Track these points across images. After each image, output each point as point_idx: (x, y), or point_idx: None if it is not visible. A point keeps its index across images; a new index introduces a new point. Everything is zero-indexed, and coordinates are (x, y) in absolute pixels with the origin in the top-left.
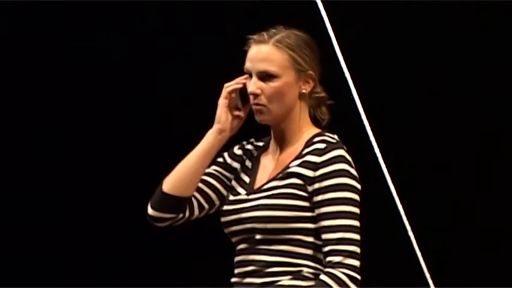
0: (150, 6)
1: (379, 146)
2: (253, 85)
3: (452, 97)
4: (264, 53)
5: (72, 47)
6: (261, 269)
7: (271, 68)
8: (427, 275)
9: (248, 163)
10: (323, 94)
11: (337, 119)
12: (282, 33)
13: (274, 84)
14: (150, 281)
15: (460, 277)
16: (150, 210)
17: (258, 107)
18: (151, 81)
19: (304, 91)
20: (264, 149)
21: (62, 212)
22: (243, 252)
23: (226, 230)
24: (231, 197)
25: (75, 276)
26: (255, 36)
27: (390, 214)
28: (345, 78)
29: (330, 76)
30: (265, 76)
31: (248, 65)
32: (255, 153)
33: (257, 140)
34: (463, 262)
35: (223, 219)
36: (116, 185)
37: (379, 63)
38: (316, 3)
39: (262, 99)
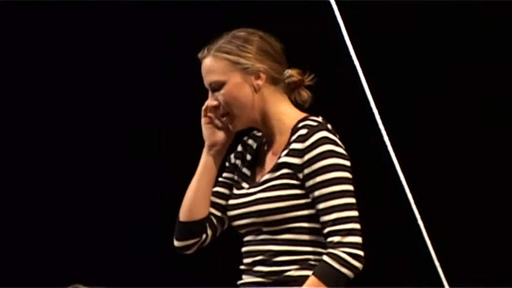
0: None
1: (392, 145)
2: (209, 99)
3: (465, 94)
4: (206, 66)
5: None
6: (269, 259)
7: (215, 78)
8: (439, 268)
9: (248, 157)
10: (296, 76)
11: (350, 118)
12: (220, 41)
13: (224, 90)
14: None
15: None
16: (175, 243)
17: (223, 118)
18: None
19: (258, 85)
20: (262, 140)
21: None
22: (249, 243)
23: (232, 224)
24: (235, 191)
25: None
26: (199, 54)
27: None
28: (358, 77)
29: (343, 75)
30: (216, 86)
31: (204, 82)
32: (255, 146)
33: (258, 131)
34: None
35: (229, 213)
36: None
37: (392, 61)
38: (329, 3)
39: (222, 109)
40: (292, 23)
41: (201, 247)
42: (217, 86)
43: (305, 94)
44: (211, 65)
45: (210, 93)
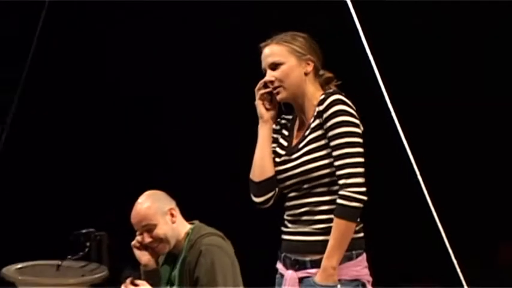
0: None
1: (408, 144)
2: (268, 75)
3: (477, 91)
4: (270, 51)
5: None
6: (312, 209)
7: (275, 58)
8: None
9: (284, 131)
10: (329, 74)
11: (367, 115)
12: (282, 35)
13: (281, 69)
14: None
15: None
16: (255, 199)
17: (275, 90)
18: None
19: (307, 70)
20: (294, 120)
21: None
22: (294, 198)
23: (280, 185)
24: (277, 159)
25: None
26: (262, 44)
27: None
28: (374, 74)
29: (360, 73)
30: (274, 66)
31: (262, 64)
32: (288, 124)
33: (287, 115)
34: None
35: (277, 177)
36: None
37: (407, 59)
38: (346, 3)
39: (276, 82)
40: (310, 23)
41: (274, 201)
42: (276, 66)
43: (333, 88)
44: (273, 49)
45: (267, 72)
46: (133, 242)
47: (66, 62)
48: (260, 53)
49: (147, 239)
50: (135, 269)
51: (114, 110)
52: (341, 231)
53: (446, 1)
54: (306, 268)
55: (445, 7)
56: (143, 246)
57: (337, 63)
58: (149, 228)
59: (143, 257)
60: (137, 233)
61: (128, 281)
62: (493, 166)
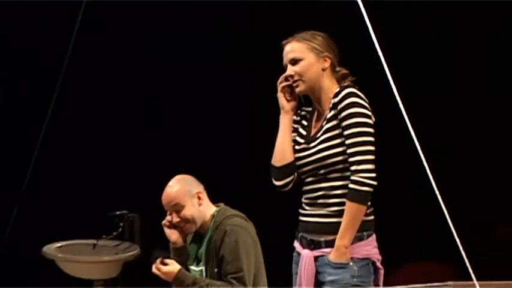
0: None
1: (420, 145)
2: (288, 70)
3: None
4: (291, 47)
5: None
6: (327, 193)
7: (296, 54)
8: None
9: (304, 122)
10: (345, 71)
11: (378, 108)
12: (301, 34)
13: (301, 64)
14: None
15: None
16: (276, 183)
17: (295, 83)
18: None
19: (325, 66)
20: (312, 112)
21: None
22: (311, 183)
23: (298, 171)
24: (296, 147)
25: None
26: (284, 41)
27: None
28: (385, 74)
29: (371, 72)
30: (294, 61)
31: (284, 60)
32: (308, 115)
33: (307, 107)
34: None
35: (296, 163)
36: None
37: (417, 60)
38: (357, 3)
39: (296, 77)
40: (321, 23)
41: (294, 184)
42: (296, 61)
43: (348, 83)
44: (293, 46)
45: (288, 67)
46: (163, 221)
47: (94, 60)
48: (282, 49)
49: (176, 219)
50: (165, 250)
51: (143, 100)
52: (353, 213)
53: (460, 0)
54: (321, 247)
55: (458, 6)
56: (172, 226)
57: (348, 61)
58: (178, 209)
59: (172, 235)
60: (167, 213)
61: (158, 260)
62: (494, 148)
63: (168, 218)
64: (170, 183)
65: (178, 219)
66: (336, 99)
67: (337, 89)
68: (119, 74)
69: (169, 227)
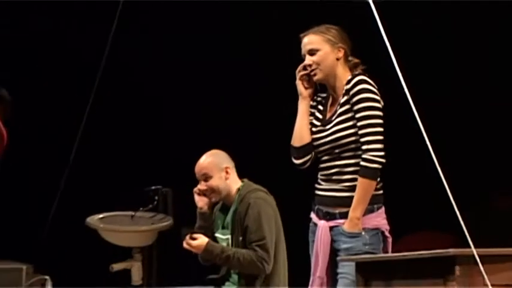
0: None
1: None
2: (306, 60)
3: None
4: (307, 39)
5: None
6: (341, 170)
7: (314, 46)
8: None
9: (320, 107)
10: (356, 60)
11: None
12: (317, 27)
13: (317, 54)
14: None
15: None
16: (295, 161)
17: (312, 72)
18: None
19: (339, 56)
20: (327, 98)
21: None
22: (326, 161)
23: (315, 150)
24: (313, 129)
25: None
26: (302, 34)
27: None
28: (397, 74)
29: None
30: (312, 52)
31: (302, 50)
32: (323, 101)
33: (322, 93)
34: None
35: (314, 143)
36: None
37: (428, 60)
38: (368, 4)
39: (313, 66)
40: (333, 24)
41: (311, 163)
42: (313, 52)
43: (359, 71)
44: (311, 38)
45: (306, 57)
46: (194, 189)
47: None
48: (300, 41)
49: (203, 187)
50: (191, 227)
51: (176, 84)
52: (364, 188)
53: (471, 1)
54: (335, 219)
55: (469, 6)
56: (201, 193)
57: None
58: (206, 178)
59: (200, 201)
60: (199, 182)
61: (187, 236)
62: (493, 126)
63: (199, 186)
64: (204, 155)
65: (205, 187)
66: (349, 86)
67: (350, 77)
68: (153, 66)
69: (198, 194)
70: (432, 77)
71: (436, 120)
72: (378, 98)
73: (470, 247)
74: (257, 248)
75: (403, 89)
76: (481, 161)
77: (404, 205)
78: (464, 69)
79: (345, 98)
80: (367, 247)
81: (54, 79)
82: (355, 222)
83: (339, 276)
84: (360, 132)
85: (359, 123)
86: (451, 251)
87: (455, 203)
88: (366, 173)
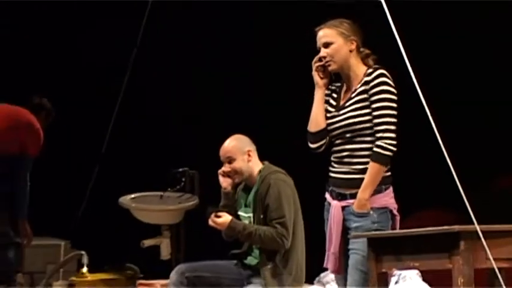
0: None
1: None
2: (321, 52)
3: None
4: (322, 33)
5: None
6: (352, 153)
7: (328, 39)
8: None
9: (334, 95)
10: (368, 51)
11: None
12: (331, 21)
13: (331, 47)
14: None
15: None
16: (311, 145)
17: (327, 63)
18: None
19: (351, 48)
20: (341, 86)
21: None
22: (339, 144)
23: (329, 134)
24: (328, 114)
25: None
26: (317, 28)
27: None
28: (409, 73)
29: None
30: (326, 45)
31: (317, 43)
32: (337, 89)
33: (336, 82)
34: None
35: (328, 128)
36: None
37: (439, 59)
38: (381, 4)
39: (328, 57)
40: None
41: (326, 147)
42: (327, 45)
43: (371, 61)
44: (325, 32)
45: (322, 50)
46: (219, 170)
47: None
48: (315, 35)
49: (227, 168)
50: (216, 206)
51: (201, 72)
52: (375, 172)
53: (486, 1)
54: (346, 199)
55: (484, 7)
56: (225, 174)
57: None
58: (230, 160)
59: (224, 182)
60: (223, 165)
61: (212, 215)
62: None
63: (223, 168)
64: (228, 139)
65: (229, 169)
66: (369, 78)
67: (370, 70)
68: (181, 55)
69: (222, 175)
70: (439, 62)
71: (442, 106)
72: (395, 91)
73: (473, 224)
74: (277, 225)
75: (409, 72)
76: (484, 143)
77: (411, 185)
78: (469, 54)
79: (363, 88)
80: (375, 225)
81: (90, 67)
82: (363, 202)
83: (351, 252)
84: (376, 121)
85: (376, 113)
86: (456, 227)
87: (460, 183)
88: (378, 158)
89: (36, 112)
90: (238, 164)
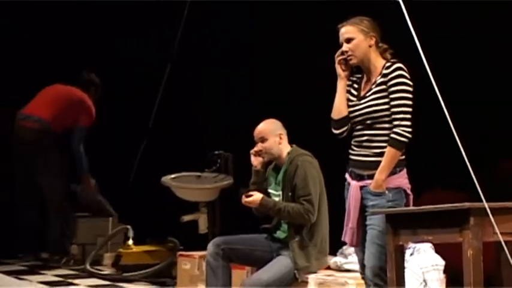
0: None
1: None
2: (343, 47)
3: None
4: (344, 29)
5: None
6: (371, 138)
7: (349, 35)
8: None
9: (355, 85)
10: (385, 46)
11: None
12: (352, 19)
13: (353, 42)
14: None
15: None
16: (334, 131)
17: (348, 57)
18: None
19: (371, 43)
20: (361, 78)
21: None
22: (359, 130)
23: (351, 121)
24: (349, 103)
25: None
26: (340, 25)
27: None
28: (426, 70)
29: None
30: (348, 40)
31: (340, 39)
32: (358, 80)
33: (357, 73)
34: None
35: (350, 115)
36: None
37: (455, 57)
38: (398, 3)
39: (349, 52)
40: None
41: (347, 133)
42: (349, 40)
43: (389, 55)
44: (348, 29)
45: (344, 45)
46: (251, 150)
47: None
48: (338, 31)
49: (259, 148)
50: (248, 188)
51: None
52: (391, 156)
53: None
54: (364, 179)
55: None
56: (256, 154)
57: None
58: (262, 140)
59: (255, 161)
60: (255, 145)
61: (244, 195)
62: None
63: (255, 148)
64: (263, 122)
65: (261, 148)
66: (387, 71)
67: (388, 63)
68: (220, 46)
69: (254, 155)
70: (450, 50)
71: (456, 96)
72: (411, 83)
73: (482, 202)
74: (304, 202)
75: (421, 59)
76: (492, 128)
77: (424, 167)
78: (480, 41)
79: (382, 79)
80: (390, 203)
81: (136, 55)
82: (379, 183)
83: (368, 227)
84: (394, 110)
85: (393, 102)
86: (466, 204)
87: (470, 165)
88: (395, 144)
89: (86, 87)
90: (269, 144)
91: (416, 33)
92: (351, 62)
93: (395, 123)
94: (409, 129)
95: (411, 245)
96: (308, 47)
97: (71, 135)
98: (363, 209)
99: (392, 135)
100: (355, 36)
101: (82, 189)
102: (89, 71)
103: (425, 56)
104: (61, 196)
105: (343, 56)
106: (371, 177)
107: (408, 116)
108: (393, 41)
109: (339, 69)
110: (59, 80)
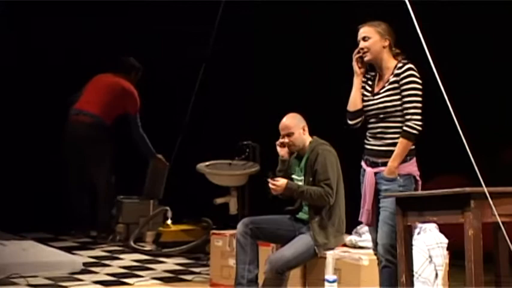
0: None
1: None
2: (360, 45)
3: None
4: (363, 29)
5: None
6: (384, 130)
7: (367, 34)
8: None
9: (370, 82)
10: (398, 50)
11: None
12: (371, 22)
13: (369, 41)
14: None
15: None
16: (350, 122)
17: (364, 54)
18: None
19: (385, 45)
20: (375, 76)
21: None
22: (373, 122)
23: (365, 114)
24: (364, 98)
25: None
26: (359, 26)
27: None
28: (432, 70)
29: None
30: (365, 39)
31: (358, 37)
32: (372, 78)
33: (371, 72)
34: None
35: (364, 109)
36: None
37: (461, 57)
38: (405, 4)
39: (365, 49)
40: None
41: (361, 124)
42: (366, 39)
43: (400, 57)
44: (366, 29)
45: (361, 43)
46: (277, 142)
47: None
48: (357, 31)
49: (286, 140)
50: (273, 172)
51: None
52: (403, 147)
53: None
54: (378, 166)
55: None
56: (282, 145)
57: None
58: (288, 134)
59: (281, 151)
60: (280, 137)
61: (270, 179)
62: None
63: (281, 139)
64: (287, 116)
65: (287, 141)
66: (399, 71)
67: (400, 64)
68: (251, 45)
69: (280, 146)
70: (454, 41)
71: (458, 89)
72: (420, 81)
73: (482, 186)
74: (324, 186)
75: (426, 56)
76: (493, 119)
77: (431, 156)
78: (484, 28)
79: (394, 78)
80: (401, 188)
81: (172, 52)
82: (392, 170)
83: (381, 209)
84: (406, 105)
85: (405, 99)
86: (468, 189)
87: (471, 153)
88: (407, 136)
89: (127, 73)
90: (295, 137)
91: (420, 29)
92: (365, 59)
93: (408, 117)
94: (420, 123)
95: (418, 225)
96: (328, 47)
97: (129, 126)
98: (376, 192)
99: (405, 128)
100: (372, 36)
101: (150, 170)
102: (127, 56)
103: (430, 54)
104: (109, 183)
105: (360, 54)
106: (384, 164)
107: (419, 111)
108: (398, 36)
109: (355, 66)
110: (101, 70)
